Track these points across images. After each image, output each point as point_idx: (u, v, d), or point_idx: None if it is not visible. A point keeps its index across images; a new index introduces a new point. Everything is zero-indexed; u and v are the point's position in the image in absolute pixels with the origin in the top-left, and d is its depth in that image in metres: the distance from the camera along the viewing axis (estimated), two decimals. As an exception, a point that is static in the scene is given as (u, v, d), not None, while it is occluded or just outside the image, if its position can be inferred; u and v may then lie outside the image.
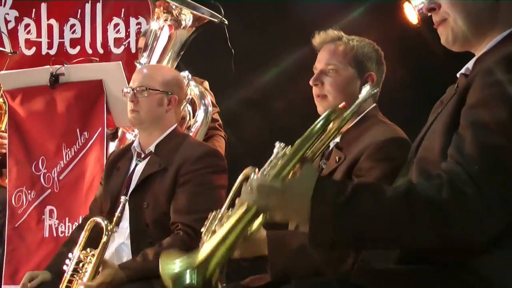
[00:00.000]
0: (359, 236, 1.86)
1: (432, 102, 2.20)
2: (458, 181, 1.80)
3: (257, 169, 2.34)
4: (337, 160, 2.80)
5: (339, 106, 2.12)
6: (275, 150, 2.08)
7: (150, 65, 4.21)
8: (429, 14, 2.12)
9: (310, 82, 2.92)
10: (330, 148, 2.87)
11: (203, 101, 4.40)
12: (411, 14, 4.88)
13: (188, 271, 1.86)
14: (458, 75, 2.14)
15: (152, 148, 3.54)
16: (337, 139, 2.86)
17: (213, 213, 2.59)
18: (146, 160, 3.55)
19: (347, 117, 2.16)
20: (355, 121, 2.88)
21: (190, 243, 3.23)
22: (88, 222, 3.38)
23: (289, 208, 1.90)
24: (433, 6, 2.08)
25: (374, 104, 2.96)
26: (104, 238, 3.25)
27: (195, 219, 3.29)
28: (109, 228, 3.27)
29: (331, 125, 2.08)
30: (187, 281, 1.85)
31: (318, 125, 2.02)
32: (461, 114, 1.93)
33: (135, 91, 3.55)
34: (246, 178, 2.33)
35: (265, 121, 5.11)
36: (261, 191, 1.89)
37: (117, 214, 3.28)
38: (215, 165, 3.49)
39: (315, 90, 2.92)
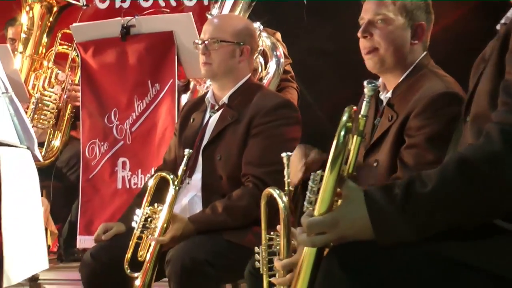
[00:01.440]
0: (433, 225, 1.77)
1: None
2: (510, 127, 1.70)
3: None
4: (390, 118, 2.67)
5: (352, 109, 1.99)
6: (312, 177, 1.98)
7: (221, 15, 4.13)
8: None
9: (358, 34, 2.72)
10: (383, 104, 2.75)
11: (275, 53, 4.33)
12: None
13: None
14: (497, 27, 2.01)
15: (225, 99, 3.48)
16: (389, 94, 2.74)
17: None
18: (220, 112, 3.50)
19: (362, 121, 2.01)
20: (406, 73, 2.72)
21: (259, 196, 3.19)
22: (154, 176, 3.36)
23: (350, 234, 1.81)
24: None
25: (425, 53, 2.78)
26: (172, 192, 3.22)
27: (265, 172, 3.25)
28: (175, 182, 3.24)
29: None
30: None
31: (340, 139, 1.91)
32: (506, 60, 1.82)
33: (206, 43, 3.49)
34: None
35: (338, 73, 5.02)
36: (314, 230, 1.82)
37: (182, 167, 3.24)
38: (288, 116, 3.41)
39: (363, 43, 2.72)
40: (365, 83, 2.02)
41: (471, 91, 2.01)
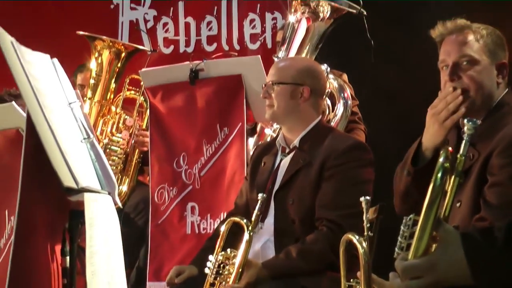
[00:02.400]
0: None
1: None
2: None
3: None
4: (471, 157, 2.59)
5: (448, 151, 1.93)
6: (404, 221, 1.93)
7: (284, 58, 4.14)
8: None
9: (446, 77, 2.66)
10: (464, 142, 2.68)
11: (342, 94, 4.29)
12: None
13: None
14: None
15: (296, 142, 3.45)
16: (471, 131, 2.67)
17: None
18: (291, 155, 3.47)
19: (461, 161, 1.95)
20: (488, 111, 2.65)
21: (334, 240, 3.12)
22: (226, 222, 3.32)
23: (447, 278, 1.76)
24: None
25: (507, 89, 2.71)
26: (247, 237, 3.17)
27: (340, 215, 3.21)
28: (250, 228, 3.19)
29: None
30: None
31: (438, 181, 1.86)
32: None
33: (266, 86, 3.48)
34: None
35: (403, 114, 4.96)
36: (409, 275, 1.78)
37: (256, 212, 3.20)
38: (361, 158, 3.37)
39: (450, 87, 2.64)
40: (465, 120, 1.97)
41: None
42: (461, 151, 1.93)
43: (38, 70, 2.25)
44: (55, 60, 2.45)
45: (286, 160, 3.48)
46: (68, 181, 1.98)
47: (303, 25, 4.41)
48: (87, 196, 2.07)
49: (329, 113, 4.29)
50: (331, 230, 3.22)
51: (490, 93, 2.65)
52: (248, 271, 3.15)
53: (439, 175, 1.86)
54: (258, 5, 5.69)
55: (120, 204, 2.53)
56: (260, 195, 3.25)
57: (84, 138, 2.28)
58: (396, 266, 1.81)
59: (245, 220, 3.22)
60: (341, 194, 3.27)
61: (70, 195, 2.08)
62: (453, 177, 1.91)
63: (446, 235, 1.79)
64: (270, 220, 3.39)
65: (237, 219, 3.27)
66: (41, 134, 1.96)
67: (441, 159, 1.87)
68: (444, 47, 2.71)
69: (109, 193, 2.30)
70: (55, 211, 2.14)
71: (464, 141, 1.94)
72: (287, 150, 3.51)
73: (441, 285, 1.77)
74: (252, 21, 5.70)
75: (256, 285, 3.13)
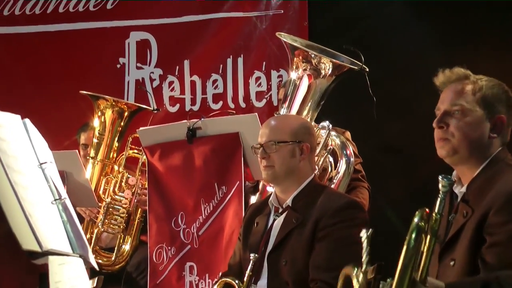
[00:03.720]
0: None
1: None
2: None
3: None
4: (465, 214, 2.53)
5: (425, 211, 1.90)
6: (380, 286, 1.91)
7: (276, 117, 4.09)
8: None
9: (434, 124, 2.66)
10: (458, 200, 2.61)
11: (344, 152, 4.24)
12: None
13: None
14: None
15: (289, 202, 3.40)
16: (463, 189, 2.60)
17: None
18: (284, 215, 3.41)
19: (437, 220, 1.92)
20: (481, 167, 2.60)
21: None
22: (218, 282, 3.27)
23: None
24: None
25: (501, 147, 2.66)
26: None
27: (334, 277, 3.10)
28: None
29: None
30: None
31: (412, 242, 1.82)
32: None
33: (264, 146, 3.43)
34: None
35: (409, 170, 4.90)
36: None
37: (247, 272, 3.15)
38: (354, 217, 3.30)
39: (437, 133, 2.66)
40: (440, 177, 1.93)
41: None
42: (436, 209, 1.88)
43: (7, 132, 2.23)
44: (27, 120, 2.43)
45: (279, 220, 3.43)
46: (28, 244, 1.95)
47: (305, 82, 4.40)
48: (52, 259, 2.03)
49: (331, 170, 4.24)
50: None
51: (478, 145, 2.61)
52: None
53: (413, 235, 1.81)
54: (264, 62, 5.70)
55: (95, 266, 2.48)
56: (252, 255, 3.20)
57: (55, 199, 2.25)
58: None
59: (236, 281, 3.17)
60: (334, 255, 3.20)
61: (34, 258, 2.04)
62: (428, 237, 1.85)
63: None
64: (263, 282, 3.33)
65: (229, 279, 3.22)
66: (0, 196, 1.93)
67: (416, 219, 1.82)
68: (442, 94, 2.73)
69: (80, 256, 2.26)
70: (24, 273, 2.10)
71: (439, 199, 1.89)
72: (280, 210, 3.45)
73: None
74: (257, 78, 5.71)
75: None
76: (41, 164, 2.27)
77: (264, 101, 5.68)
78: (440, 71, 2.76)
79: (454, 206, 2.62)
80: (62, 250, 2.14)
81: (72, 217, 2.33)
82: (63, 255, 2.14)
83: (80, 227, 2.37)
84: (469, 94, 2.66)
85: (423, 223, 1.85)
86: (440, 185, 1.96)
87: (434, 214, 1.89)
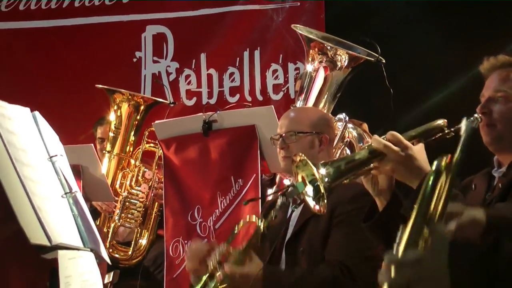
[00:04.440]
0: None
1: None
2: None
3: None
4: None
5: (446, 158, 1.93)
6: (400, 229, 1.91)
7: (296, 108, 4.10)
8: None
9: (477, 110, 2.64)
10: (495, 182, 2.60)
11: (361, 144, 4.21)
12: None
13: None
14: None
15: (309, 193, 3.38)
16: (503, 169, 2.59)
17: None
18: (302, 206, 3.39)
19: (457, 164, 1.94)
20: None
21: (342, 280, 3.06)
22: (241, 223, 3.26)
23: (430, 279, 1.77)
24: None
25: None
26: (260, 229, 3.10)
27: (349, 257, 3.10)
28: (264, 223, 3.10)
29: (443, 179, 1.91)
30: None
31: (430, 184, 1.87)
32: None
33: (283, 137, 3.42)
34: None
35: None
36: (397, 268, 1.77)
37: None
38: (368, 204, 3.27)
39: (482, 119, 2.63)
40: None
41: None
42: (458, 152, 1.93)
43: (16, 125, 2.21)
44: (36, 113, 2.41)
45: (297, 211, 3.41)
46: (37, 239, 1.93)
47: (321, 74, 4.37)
48: (62, 254, 2.01)
49: (348, 162, 4.19)
50: (340, 270, 3.11)
51: None
52: (248, 265, 3.06)
53: (432, 178, 1.87)
54: (281, 55, 5.67)
55: (107, 260, 2.46)
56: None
57: (66, 193, 2.23)
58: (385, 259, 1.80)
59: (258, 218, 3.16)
60: (349, 238, 3.17)
61: (43, 253, 2.02)
62: (447, 179, 1.90)
63: (436, 235, 1.81)
64: None
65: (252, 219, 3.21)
66: (8, 190, 1.91)
67: (435, 163, 1.87)
68: (487, 81, 2.73)
69: (92, 250, 2.24)
70: (33, 269, 2.08)
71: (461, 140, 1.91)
72: (298, 201, 3.42)
73: (422, 284, 1.76)
74: (274, 71, 5.68)
75: (244, 281, 3.03)
76: (51, 157, 2.25)
77: (281, 93, 5.65)
78: (485, 59, 2.74)
79: (492, 186, 2.63)
80: (73, 244, 2.12)
81: (84, 211, 2.31)
82: (74, 249, 2.12)
83: (91, 221, 2.35)
84: None
85: (443, 167, 1.88)
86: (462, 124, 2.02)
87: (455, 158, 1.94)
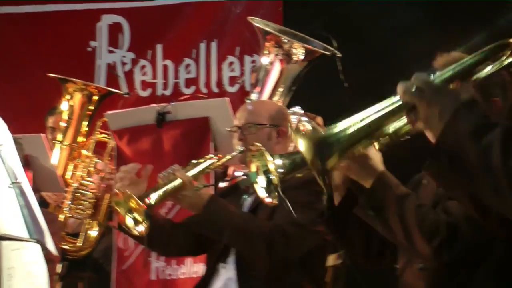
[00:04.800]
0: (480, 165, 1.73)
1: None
2: None
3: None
4: None
5: None
6: None
7: (253, 101, 4.13)
8: None
9: None
10: None
11: (316, 137, 4.20)
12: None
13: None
14: None
15: (261, 183, 3.39)
16: None
17: None
18: (254, 195, 3.43)
19: None
20: None
21: (277, 238, 3.19)
22: None
23: (435, 108, 1.83)
24: None
25: None
26: None
27: (289, 224, 3.19)
28: None
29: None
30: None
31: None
32: None
33: (242, 128, 3.42)
34: None
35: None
36: (419, 82, 1.85)
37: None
38: (317, 189, 3.30)
39: None
40: None
41: None
42: None
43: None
44: (-19, 101, 2.36)
45: (250, 200, 3.50)
46: (-22, 229, 1.88)
47: (277, 67, 4.37)
48: (5, 244, 1.96)
49: (302, 155, 4.21)
50: (277, 229, 3.23)
51: None
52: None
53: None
54: (238, 47, 5.64)
55: (54, 251, 2.41)
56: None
57: (13, 183, 2.18)
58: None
59: None
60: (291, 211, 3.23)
61: (-14, 244, 1.97)
62: None
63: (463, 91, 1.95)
64: (232, 258, 3.38)
65: None
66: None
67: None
68: None
69: (38, 241, 2.19)
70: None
71: None
72: (251, 190, 3.45)
73: (426, 110, 1.83)
74: (231, 63, 5.66)
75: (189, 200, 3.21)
76: (-4, 146, 2.20)
77: (237, 86, 5.63)
78: (438, 55, 2.75)
79: None
80: (17, 235, 2.08)
81: (30, 201, 2.26)
82: (18, 240, 2.07)
83: (39, 212, 2.30)
84: None
85: None
86: None
87: None
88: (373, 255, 2.64)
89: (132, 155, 4.21)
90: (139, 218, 3.11)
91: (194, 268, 4.00)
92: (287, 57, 4.36)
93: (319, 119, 4.47)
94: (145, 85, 5.74)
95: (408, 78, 2.70)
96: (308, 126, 4.24)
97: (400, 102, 1.88)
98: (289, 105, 4.26)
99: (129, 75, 5.76)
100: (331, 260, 3.43)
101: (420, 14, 5.13)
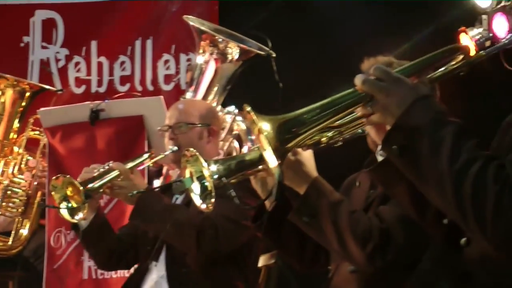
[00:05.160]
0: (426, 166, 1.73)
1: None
2: None
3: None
4: None
5: None
6: None
7: (184, 100, 4.14)
8: None
9: None
10: None
11: (249, 137, 4.23)
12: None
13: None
14: None
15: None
16: None
17: None
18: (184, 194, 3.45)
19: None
20: None
21: (206, 229, 3.22)
22: None
23: (394, 97, 1.81)
24: None
25: None
26: None
27: (218, 216, 3.19)
28: None
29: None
30: None
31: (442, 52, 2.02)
32: None
33: (173, 127, 3.45)
34: None
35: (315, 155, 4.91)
36: (378, 73, 1.84)
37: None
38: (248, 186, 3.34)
39: None
40: None
41: None
42: None
43: None
44: None
45: (181, 198, 3.53)
46: None
47: (211, 67, 4.38)
48: None
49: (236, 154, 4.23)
50: (207, 221, 3.23)
51: None
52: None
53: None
54: (173, 46, 5.62)
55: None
56: None
57: None
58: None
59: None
60: (221, 205, 3.23)
61: None
62: None
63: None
64: (162, 256, 3.40)
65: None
66: None
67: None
68: None
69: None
70: None
71: None
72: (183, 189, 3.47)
73: (384, 100, 1.81)
74: (166, 62, 5.63)
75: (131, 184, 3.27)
76: None
77: (172, 84, 5.61)
78: (365, 59, 2.79)
79: (375, 184, 2.65)
80: None
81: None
82: None
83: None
84: None
85: None
86: None
87: None
88: (307, 258, 2.68)
89: (65, 152, 4.18)
90: (75, 205, 3.11)
91: (126, 267, 3.98)
92: (222, 56, 4.37)
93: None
94: (79, 82, 5.67)
95: (342, 78, 2.75)
96: (242, 126, 4.29)
97: (357, 93, 1.86)
98: (224, 104, 4.28)
99: (63, 71, 5.68)
100: (264, 260, 3.46)
101: (355, 13, 5.17)
